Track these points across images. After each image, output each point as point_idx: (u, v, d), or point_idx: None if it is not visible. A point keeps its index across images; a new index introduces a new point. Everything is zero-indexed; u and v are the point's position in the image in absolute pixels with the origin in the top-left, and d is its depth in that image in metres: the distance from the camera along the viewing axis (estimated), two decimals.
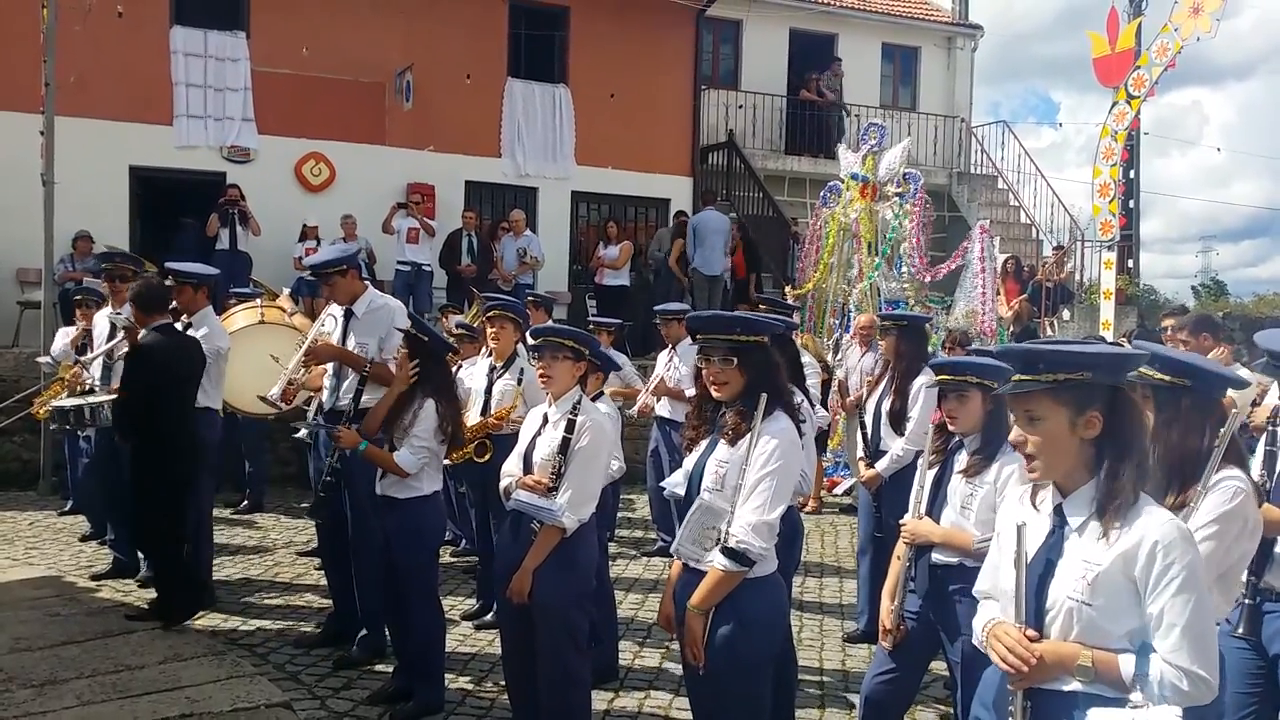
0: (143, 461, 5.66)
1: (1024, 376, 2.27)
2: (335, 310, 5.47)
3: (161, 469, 5.61)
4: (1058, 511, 2.32)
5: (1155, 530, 2.16)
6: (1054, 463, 2.28)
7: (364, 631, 5.29)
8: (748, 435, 3.08)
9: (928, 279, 10.75)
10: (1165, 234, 77.72)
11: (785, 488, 3.06)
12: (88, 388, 6.66)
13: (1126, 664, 2.16)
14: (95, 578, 6.64)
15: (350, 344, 5.31)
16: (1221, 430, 2.76)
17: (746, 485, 3.03)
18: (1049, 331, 13.76)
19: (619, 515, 8.13)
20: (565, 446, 3.78)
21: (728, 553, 3.01)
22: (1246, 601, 3.27)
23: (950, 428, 3.84)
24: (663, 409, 7.46)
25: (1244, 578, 3.16)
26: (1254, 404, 4.44)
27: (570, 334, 3.97)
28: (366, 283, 5.51)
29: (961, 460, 3.79)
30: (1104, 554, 2.20)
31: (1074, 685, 2.20)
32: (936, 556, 3.73)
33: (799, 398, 4.28)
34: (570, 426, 3.79)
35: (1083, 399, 2.23)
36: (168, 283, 6.23)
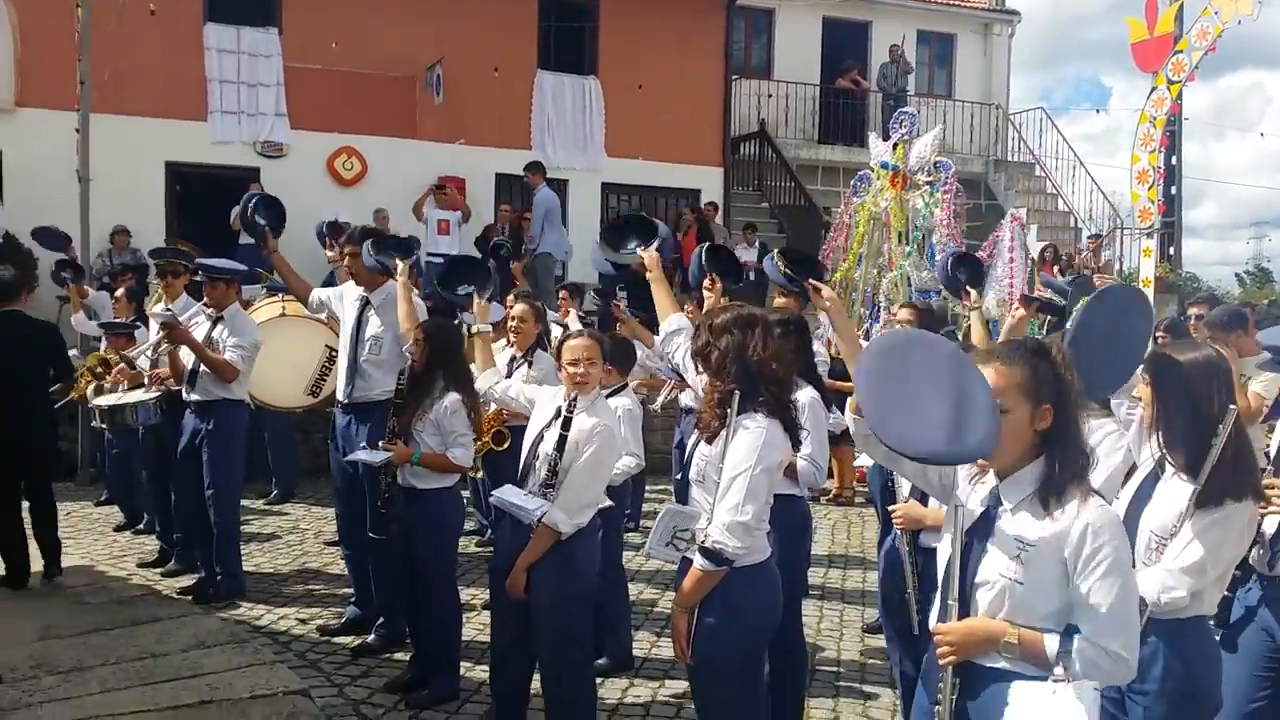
0: None
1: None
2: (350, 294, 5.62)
3: None
4: (993, 493, 2.39)
5: (1087, 514, 2.25)
6: (1012, 451, 2.35)
7: (381, 620, 5.33)
8: (723, 432, 3.04)
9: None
10: (1218, 220, 75.84)
11: (759, 486, 2.98)
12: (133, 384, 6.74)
13: (1050, 642, 2.24)
14: (142, 564, 6.82)
15: (366, 334, 5.45)
16: None
17: (721, 484, 3.00)
18: None
19: (644, 507, 8.12)
20: (562, 444, 3.73)
21: (704, 552, 2.99)
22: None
23: None
24: (688, 398, 7.40)
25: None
26: None
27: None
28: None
29: None
30: (1037, 534, 2.27)
31: (1001, 662, 2.30)
32: (925, 540, 3.71)
33: (810, 393, 4.10)
34: (566, 424, 3.73)
35: (1042, 393, 2.33)
36: (197, 278, 6.29)
